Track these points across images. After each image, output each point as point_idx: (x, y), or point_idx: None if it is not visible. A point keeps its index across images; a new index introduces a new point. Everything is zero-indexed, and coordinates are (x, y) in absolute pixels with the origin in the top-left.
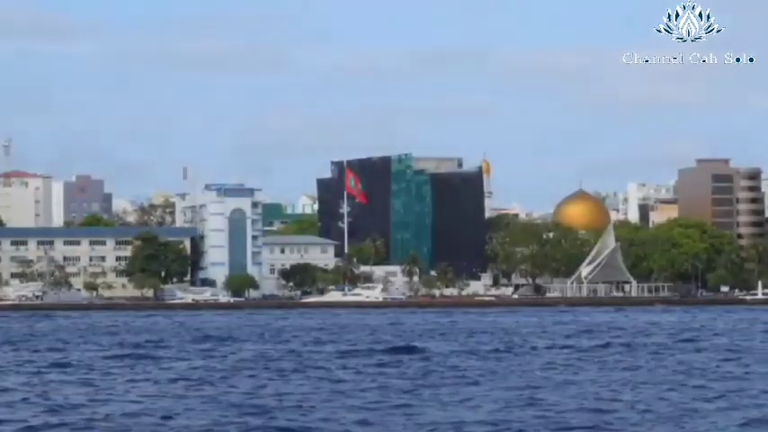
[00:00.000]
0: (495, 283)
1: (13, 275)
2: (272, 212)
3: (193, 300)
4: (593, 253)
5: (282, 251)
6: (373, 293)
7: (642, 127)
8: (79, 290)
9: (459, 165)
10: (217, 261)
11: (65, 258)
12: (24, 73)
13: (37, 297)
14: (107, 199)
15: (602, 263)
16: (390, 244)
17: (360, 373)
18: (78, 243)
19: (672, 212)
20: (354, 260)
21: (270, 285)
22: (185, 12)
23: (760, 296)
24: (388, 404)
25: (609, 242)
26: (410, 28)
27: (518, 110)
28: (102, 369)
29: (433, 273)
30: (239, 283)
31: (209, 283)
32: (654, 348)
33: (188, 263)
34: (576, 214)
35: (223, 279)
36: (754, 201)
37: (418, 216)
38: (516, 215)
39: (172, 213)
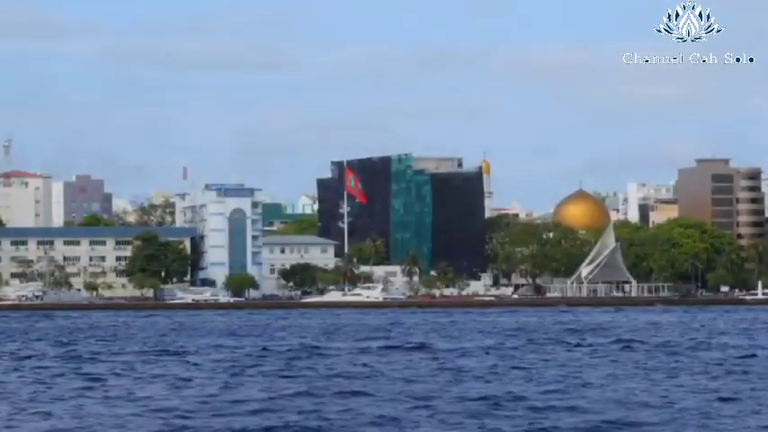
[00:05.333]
0: (495, 283)
1: (13, 275)
2: (272, 212)
3: (193, 300)
4: (593, 253)
5: (282, 251)
6: (373, 293)
7: (642, 127)
8: (79, 290)
9: (459, 165)
10: (217, 261)
11: (65, 258)
12: (24, 73)
13: (37, 297)
14: (107, 199)
15: (602, 263)
16: (390, 244)
17: None
18: (78, 243)
19: (672, 212)
20: (354, 260)
21: (270, 285)
22: (185, 12)
23: (760, 296)
24: None
25: (609, 242)
26: (410, 28)
27: (518, 110)
28: None
29: (433, 273)
30: (239, 283)
31: (209, 283)
32: None
33: (188, 263)
34: (576, 214)
35: (223, 279)
36: (754, 201)
37: (418, 216)
38: (516, 215)
39: (172, 213)
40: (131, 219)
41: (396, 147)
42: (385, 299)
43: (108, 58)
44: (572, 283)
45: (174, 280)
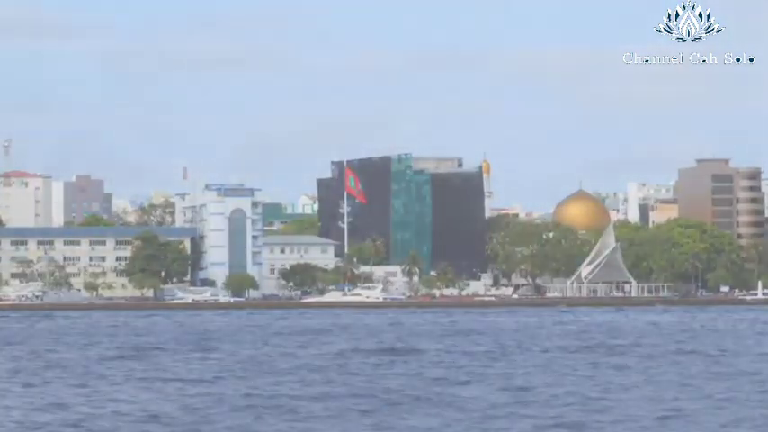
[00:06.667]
0: (495, 283)
1: (13, 275)
2: (272, 212)
3: (193, 300)
4: (593, 253)
5: (282, 251)
6: (373, 293)
7: (642, 127)
8: (79, 290)
9: (460, 165)
10: (217, 261)
11: (65, 258)
12: (24, 73)
13: (37, 297)
14: (107, 199)
15: (602, 263)
16: (390, 244)
17: None
18: (78, 243)
19: (672, 212)
20: (354, 260)
21: (270, 285)
22: (185, 12)
23: (760, 296)
24: None
25: (609, 242)
26: (410, 28)
27: (518, 110)
28: None
29: (433, 273)
30: (239, 283)
31: (209, 283)
32: None
33: (188, 263)
34: (576, 214)
35: (223, 279)
36: (754, 201)
37: (418, 216)
38: (516, 215)
39: (172, 213)
40: (131, 219)
41: (396, 147)
42: (385, 299)
43: (108, 58)
44: (572, 283)
45: (174, 280)
